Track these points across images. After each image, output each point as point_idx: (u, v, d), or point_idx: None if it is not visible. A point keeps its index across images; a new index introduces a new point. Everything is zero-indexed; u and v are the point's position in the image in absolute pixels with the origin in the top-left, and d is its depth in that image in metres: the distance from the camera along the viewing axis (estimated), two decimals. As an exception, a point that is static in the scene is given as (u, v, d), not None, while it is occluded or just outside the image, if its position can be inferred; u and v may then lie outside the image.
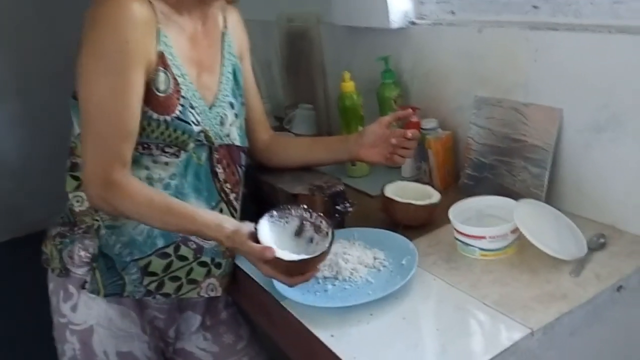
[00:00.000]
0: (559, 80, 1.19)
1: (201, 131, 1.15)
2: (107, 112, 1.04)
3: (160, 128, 1.10)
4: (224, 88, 1.23)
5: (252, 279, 1.18)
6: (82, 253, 1.17)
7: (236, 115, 1.26)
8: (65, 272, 1.19)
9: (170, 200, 1.09)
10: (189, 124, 1.12)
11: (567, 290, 0.99)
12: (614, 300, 1.00)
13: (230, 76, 1.26)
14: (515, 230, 1.09)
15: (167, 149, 1.13)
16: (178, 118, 1.11)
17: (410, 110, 1.36)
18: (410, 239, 1.17)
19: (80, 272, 1.18)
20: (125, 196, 1.05)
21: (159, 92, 1.09)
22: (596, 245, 1.09)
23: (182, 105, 1.12)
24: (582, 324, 0.97)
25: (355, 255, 1.14)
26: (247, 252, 1.01)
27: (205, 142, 1.17)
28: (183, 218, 1.05)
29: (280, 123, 1.97)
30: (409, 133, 1.25)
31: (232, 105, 1.24)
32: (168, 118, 1.10)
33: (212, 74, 1.21)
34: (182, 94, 1.12)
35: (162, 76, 1.09)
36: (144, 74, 1.07)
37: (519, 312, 0.95)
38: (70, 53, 1.18)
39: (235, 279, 1.28)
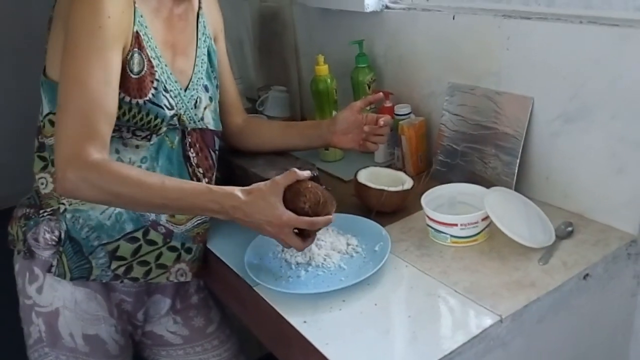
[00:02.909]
0: (531, 69, 1.20)
1: (174, 115, 1.13)
2: (89, 88, 0.99)
3: (133, 111, 1.07)
4: (198, 71, 1.21)
5: (225, 263, 1.18)
6: (48, 236, 1.15)
7: (210, 99, 1.24)
8: (29, 254, 1.18)
9: (163, 176, 1.06)
10: (162, 107, 1.10)
11: (535, 278, 1.01)
12: (580, 288, 1.02)
13: (205, 58, 1.23)
14: (486, 217, 1.10)
15: (138, 132, 1.10)
16: (150, 101, 1.08)
17: (380, 94, 1.35)
18: (383, 225, 1.17)
19: (45, 254, 1.16)
20: (113, 174, 0.97)
21: (132, 73, 1.06)
22: (564, 234, 1.12)
23: (155, 89, 1.09)
24: (550, 312, 0.99)
25: (329, 241, 1.14)
26: (276, 192, 1.01)
27: (178, 125, 1.16)
28: (185, 190, 1.00)
29: (253, 105, 1.94)
30: (381, 121, 1.26)
31: (206, 89, 1.22)
32: (140, 101, 1.07)
33: (187, 57, 1.19)
34: (157, 76, 1.10)
35: (136, 57, 1.06)
36: (122, 52, 1.04)
37: (488, 299, 0.96)
38: (38, 29, 1.14)
39: (207, 263, 1.27)
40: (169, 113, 1.11)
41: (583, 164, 1.15)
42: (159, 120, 1.10)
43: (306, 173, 1.04)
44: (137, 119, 1.08)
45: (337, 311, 0.99)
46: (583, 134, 1.13)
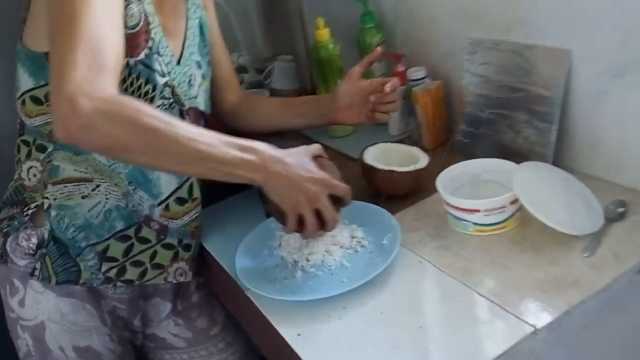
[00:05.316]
0: (567, 16, 1.02)
1: (167, 85, 1.01)
2: (98, 18, 0.82)
3: (123, 73, 0.93)
4: (190, 45, 1.10)
5: (218, 262, 1.07)
6: (25, 243, 1.05)
7: (203, 76, 1.13)
8: (6, 262, 1.07)
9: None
10: (154, 71, 0.98)
11: (579, 274, 0.83)
12: (635, 285, 0.84)
13: (197, 31, 1.13)
14: (516, 200, 0.92)
15: None
16: (142, 62, 0.96)
17: (379, 49, 1.18)
18: (395, 212, 1.03)
19: (22, 263, 1.06)
20: (139, 106, 0.81)
21: (126, 27, 0.93)
22: (615, 216, 0.93)
23: (149, 49, 0.97)
24: (596, 315, 0.82)
25: (329, 235, 0.98)
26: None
27: (172, 99, 1.04)
28: (220, 137, 0.84)
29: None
30: (387, 87, 1.11)
31: (199, 65, 1.12)
32: (131, 61, 0.94)
33: (176, 39, 1.08)
34: (152, 35, 0.98)
35: (134, 8, 0.94)
36: None
37: (519, 304, 0.80)
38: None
39: (205, 261, 1.17)
40: (160, 80, 0.99)
41: (636, 128, 0.97)
42: (150, 86, 0.98)
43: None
44: (127, 84, 0.95)
45: (336, 321, 0.85)
46: (634, 91, 0.95)
